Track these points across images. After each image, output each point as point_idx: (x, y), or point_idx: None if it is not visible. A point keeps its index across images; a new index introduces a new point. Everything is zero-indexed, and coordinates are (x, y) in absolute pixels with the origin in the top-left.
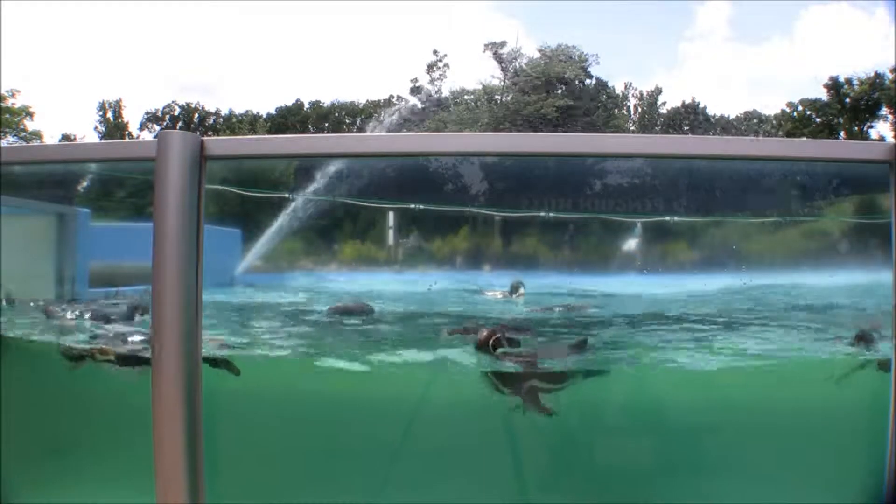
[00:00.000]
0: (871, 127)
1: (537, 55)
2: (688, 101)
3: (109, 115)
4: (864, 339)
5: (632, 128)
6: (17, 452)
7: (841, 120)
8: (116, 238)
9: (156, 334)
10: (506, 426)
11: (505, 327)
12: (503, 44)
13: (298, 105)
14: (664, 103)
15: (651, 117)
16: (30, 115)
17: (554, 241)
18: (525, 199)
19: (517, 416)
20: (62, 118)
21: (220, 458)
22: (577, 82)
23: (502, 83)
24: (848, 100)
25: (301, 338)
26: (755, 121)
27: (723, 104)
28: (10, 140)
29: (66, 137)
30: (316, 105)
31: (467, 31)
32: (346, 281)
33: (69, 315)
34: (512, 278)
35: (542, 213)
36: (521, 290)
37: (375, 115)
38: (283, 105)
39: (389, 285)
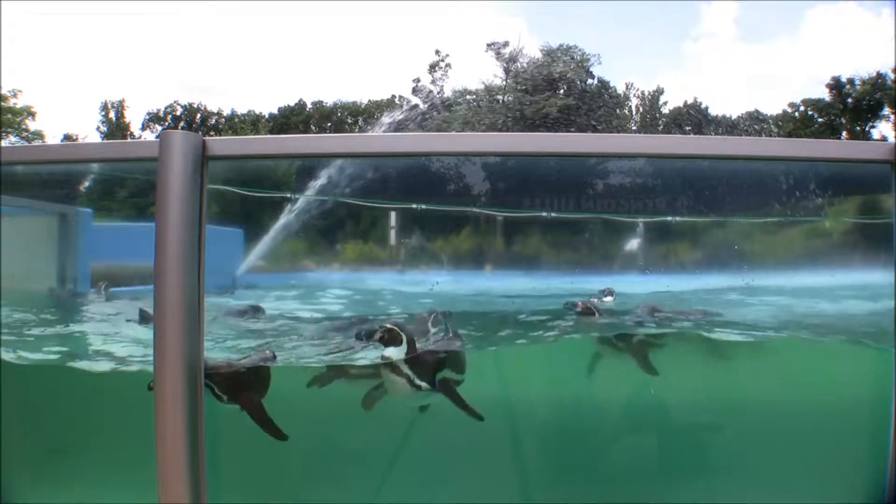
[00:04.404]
0: (874, 127)
1: (539, 55)
2: (690, 101)
3: (112, 115)
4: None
5: (633, 128)
6: (17, 453)
7: (843, 120)
8: (118, 238)
9: (158, 334)
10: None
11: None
12: (506, 43)
13: (301, 105)
14: (665, 103)
15: (653, 117)
16: (32, 115)
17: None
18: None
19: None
20: (64, 118)
21: None
22: (578, 82)
23: (504, 83)
24: (850, 100)
25: None
26: (753, 119)
27: (726, 104)
28: (11, 140)
29: (67, 137)
30: (318, 105)
31: (470, 31)
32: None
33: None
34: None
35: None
36: (607, 297)
37: (377, 114)
38: (285, 105)
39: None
